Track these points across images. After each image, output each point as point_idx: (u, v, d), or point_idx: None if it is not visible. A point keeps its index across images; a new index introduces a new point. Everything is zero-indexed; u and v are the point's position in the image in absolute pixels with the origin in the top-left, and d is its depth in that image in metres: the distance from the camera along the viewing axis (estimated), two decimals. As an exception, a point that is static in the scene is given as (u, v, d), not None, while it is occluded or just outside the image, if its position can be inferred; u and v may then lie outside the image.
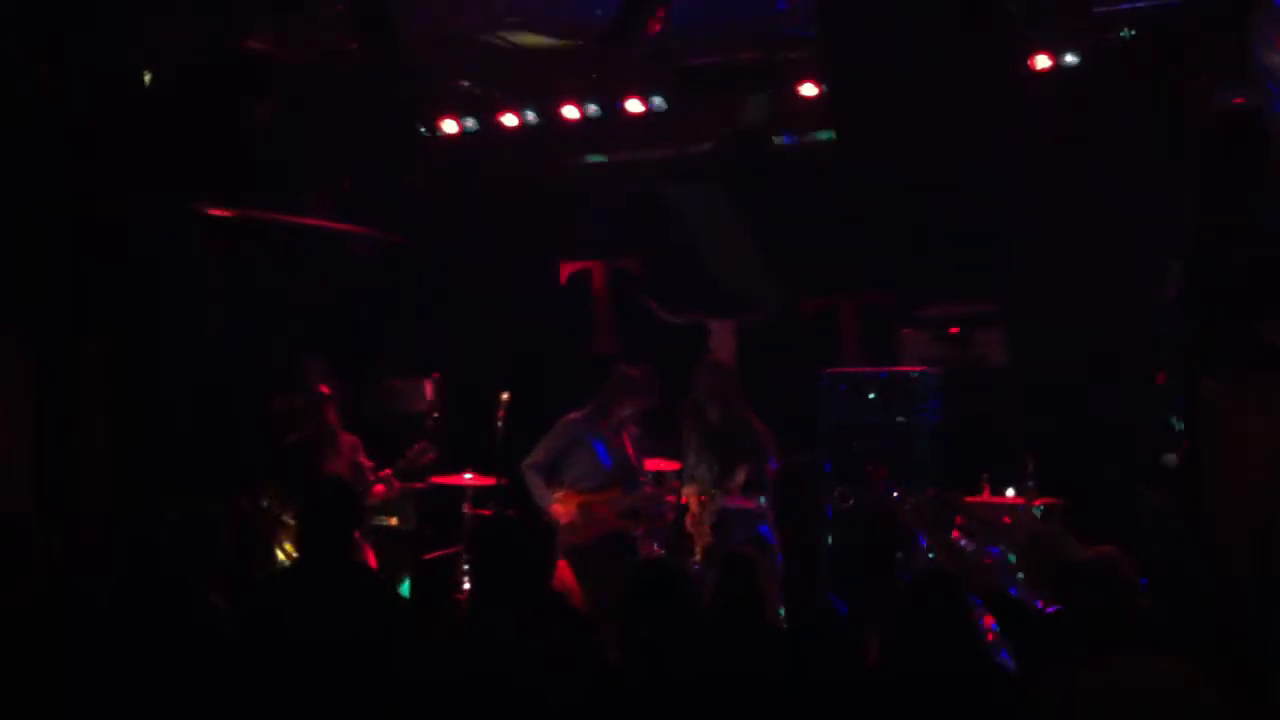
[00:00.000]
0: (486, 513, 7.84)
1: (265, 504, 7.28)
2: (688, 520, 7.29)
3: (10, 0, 6.72)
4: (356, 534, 6.99)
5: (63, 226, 6.88)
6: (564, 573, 7.30)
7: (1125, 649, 3.81)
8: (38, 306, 6.78)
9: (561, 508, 7.44)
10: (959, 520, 5.90)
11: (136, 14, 7.06)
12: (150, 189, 7.23)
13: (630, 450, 7.50)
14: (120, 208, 7.05)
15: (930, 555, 7.03)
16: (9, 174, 6.71)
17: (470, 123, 9.32)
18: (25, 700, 4.96)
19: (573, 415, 7.63)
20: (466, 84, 9.10)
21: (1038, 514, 7.36)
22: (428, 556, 8.44)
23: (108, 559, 6.51)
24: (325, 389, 7.79)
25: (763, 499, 7.25)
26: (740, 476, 7.15)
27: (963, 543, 5.80)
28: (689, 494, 7.34)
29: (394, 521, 8.60)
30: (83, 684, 4.43)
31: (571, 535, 7.42)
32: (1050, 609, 4.89)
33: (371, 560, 7.63)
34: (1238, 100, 7.03)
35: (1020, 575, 5.87)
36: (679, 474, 7.58)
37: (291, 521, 6.85)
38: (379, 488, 7.75)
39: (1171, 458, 7.21)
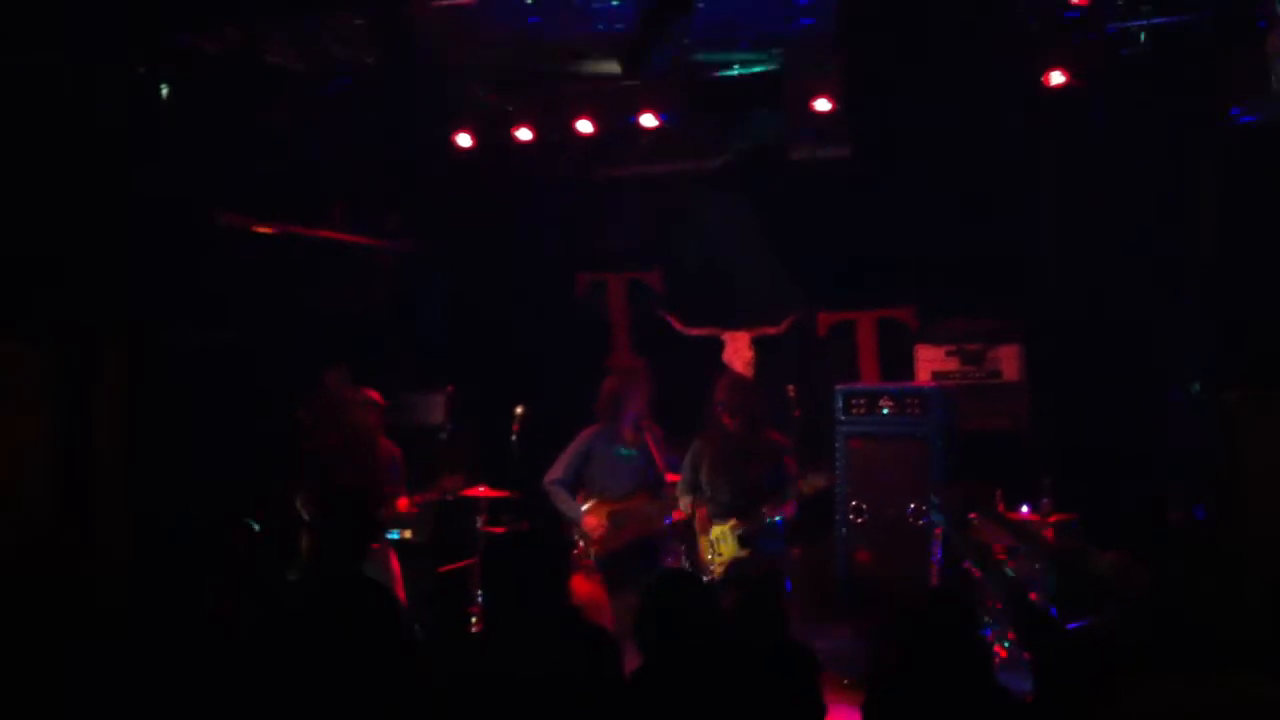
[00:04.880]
0: (501, 528, 7.85)
1: (300, 510, 7.28)
2: (702, 546, 7.26)
3: (26, 4, 6.74)
4: (375, 545, 7.05)
5: (82, 235, 6.89)
6: (587, 586, 7.32)
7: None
8: (57, 315, 6.79)
9: (594, 519, 7.45)
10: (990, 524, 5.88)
11: (157, 23, 7.08)
12: (171, 199, 7.25)
13: (655, 453, 7.50)
14: (141, 216, 7.07)
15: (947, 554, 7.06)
16: (29, 181, 6.73)
17: (486, 136, 9.34)
18: (38, 704, 4.98)
19: (591, 428, 7.65)
20: (483, 97, 9.11)
21: (1054, 530, 7.37)
22: (443, 569, 8.45)
23: (127, 566, 6.52)
24: (376, 395, 7.80)
25: (794, 510, 7.24)
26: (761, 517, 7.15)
27: (988, 540, 5.78)
28: (701, 520, 7.31)
29: (409, 534, 8.59)
30: (93, 689, 4.43)
31: (604, 544, 7.43)
32: (1071, 624, 4.87)
33: (398, 573, 7.63)
34: (1256, 115, 7.04)
35: (1044, 586, 5.85)
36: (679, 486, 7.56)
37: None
38: (402, 502, 7.74)
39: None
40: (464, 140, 9.29)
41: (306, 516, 7.18)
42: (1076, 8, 7.24)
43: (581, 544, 7.53)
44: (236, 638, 4.62)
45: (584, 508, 7.54)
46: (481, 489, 7.86)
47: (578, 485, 7.64)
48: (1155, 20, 7.23)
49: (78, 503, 6.63)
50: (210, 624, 4.63)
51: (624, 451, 7.59)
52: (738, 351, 9.52)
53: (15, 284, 6.56)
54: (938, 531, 7.37)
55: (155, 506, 6.77)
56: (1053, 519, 7.52)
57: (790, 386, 8.56)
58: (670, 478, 7.58)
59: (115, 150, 6.93)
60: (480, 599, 7.58)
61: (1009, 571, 5.37)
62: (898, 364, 8.84)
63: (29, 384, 6.62)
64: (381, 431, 7.85)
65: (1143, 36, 7.29)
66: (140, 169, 7.03)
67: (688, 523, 7.42)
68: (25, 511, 6.44)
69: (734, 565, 7.06)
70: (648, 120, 8.74)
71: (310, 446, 7.58)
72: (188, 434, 7.19)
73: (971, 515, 6.47)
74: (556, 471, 7.63)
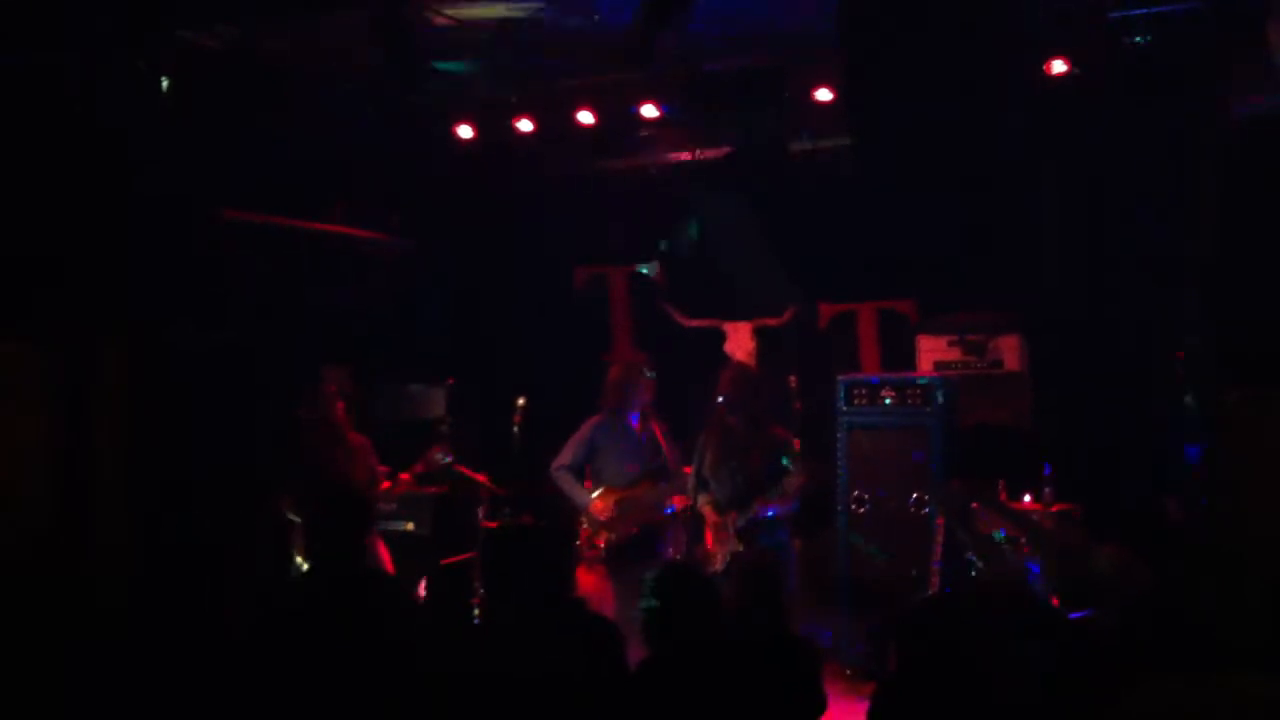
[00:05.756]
0: (500, 521, 7.87)
1: (289, 512, 7.30)
2: (708, 537, 7.29)
3: (26, 3, 6.74)
4: (370, 537, 7.06)
5: (82, 235, 6.90)
6: (590, 577, 7.34)
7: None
8: (57, 315, 6.81)
9: (601, 503, 7.46)
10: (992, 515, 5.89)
11: (157, 21, 7.08)
12: (170, 194, 7.25)
13: (663, 441, 7.52)
14: (141, 215, 7.07)
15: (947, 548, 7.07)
16: (29, 181, 6.73)
17: (487, 128, 9.34)
18: (39, 704, 4.99)
19: (596, 418, 7.66)
20: (482, 89, 9.11)
21: (1055, 520, 7.38)
22: (444, 562, 8.46)
23: (127, 566, 6.53)
24: (332, 387, 7.79)
25: (794, 504, 7.26)
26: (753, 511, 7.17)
27: (989, 533, 5.79)
28: (705, 509, 7.33)
29: (409, 526, 8.61)
30: (93, 689, 4.44)
31: (611, 532, 7.45)
32: (1074, 615, 4.89)
33: (387, 562, 7.65)
34: (1257, 105, 7.01)
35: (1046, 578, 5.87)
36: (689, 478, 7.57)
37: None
38: (385, 485, 7.75)
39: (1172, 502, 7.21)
40: (465, 132, 9.30)
41: (295, 518, 7.19)
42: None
43: (588, 530, 7.54)
44: (237, 637, 4.64)
45: (593, 495, 7.56)
46: (483, 481, 7.88)
47: (584, 474, 7.64)
48: (1157, 9, 7.21)
49: (78, 503, 6.64)
50: (211, 623, 4.64)
51: (629, 442, 7.60)
52: (739, 343, 9.51)
53: (15, 284, 6.57)
54: (939, 523, 7.37)
55: (155, 506, 6.79)
56: (1054, 508, 7.54)
57: (792, 377, 8.58)
58: (685, 470, 7.60)
59: (115, 149, 6.92)
60: (482, 591, 7.60)
61: (1011, 563, 5.39)
62: (899, 356, 8.82)
63: (29, 384, 6.62)
64: (352, 424, 7.85)
65: (1144, 25, 7.27)
66: (141, 168, 7.03)
67: (693, 515, 7.43)
68: (25, 511, 6.46)
69: (733, 558, 7.06)
70: (649, 111, 8.74)
71: (308, 445, 7.60)
72: (188, 434, 7.19)
73: (974, 505, 6.48)
74: (563, 458, 7.64)
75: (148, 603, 5.80)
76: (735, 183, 9.10)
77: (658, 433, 7.58)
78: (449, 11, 7.62)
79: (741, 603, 4.95)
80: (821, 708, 4.73)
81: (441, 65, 8.23)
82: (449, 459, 7.87)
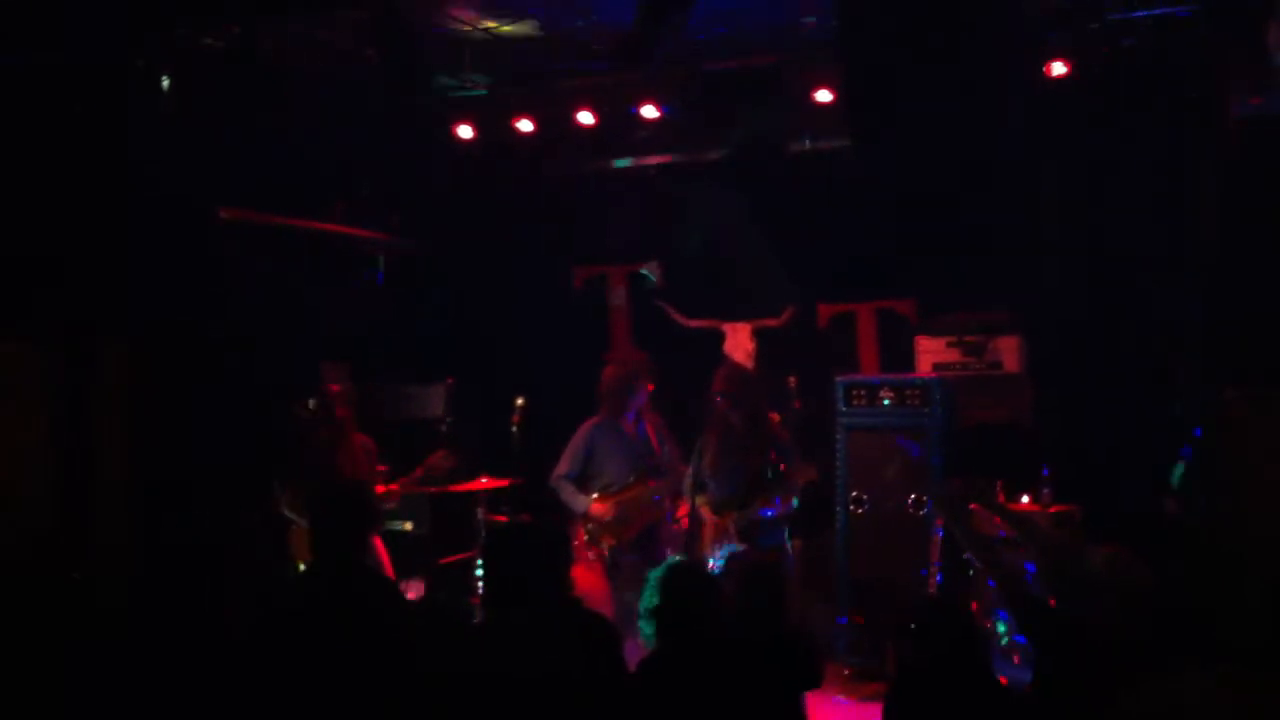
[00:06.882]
0: (500, 518, 7.87)
1: (287, 510, 7.29)
2: (705, 537, 7.29)
3: (26, 4, 6.75)
4: (374, 539, 7.08)
5: (82, 235, 6.90)
6: (588, 577, 7.34)
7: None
8: (57, 315, 6.82)
9: (600, 506, 7.45)
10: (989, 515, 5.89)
11: (156, 20, 7.08)
12: (170, 194, 7.26)
13: (655, 440, 7.51)
14: (141, 215, 7.07)
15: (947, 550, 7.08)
16: (29, 181, 6.73)
17: (487, 128, 9.34)
18: (39, 704, 4.99)
19: (592, 421, 7.65)
20: (481, 88, 9.11)
21: (1052, 520, 7.38)
22: (442, 561, 8.46)
23: (129, 566, 6.54)
24: (335, 386, 7.79)
25: (794, 502, 7.26)
26: (754, 511, 7.17)
27: (988, 533, 5.78)
28: (703, 510, 7.33)
29: (408, 526, 8.61)
30: (93, 688, 4.44)
31: (614, 537, 7.45)
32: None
33: (386, 562, 7.65)
34: (1257, 105, 7.02)
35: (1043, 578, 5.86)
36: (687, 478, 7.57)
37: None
38: (379, 489, 7.75)
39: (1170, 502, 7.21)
40: (465, 132, 9.30)
41: (294, 517, 7.19)
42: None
43: (586, 535, 7.54)
44: (237, 637, 4.64)
45: (590, 499, 7.56)
46: (482, 481, 7.88)
47: (585, 482, 7.63)
48: (1156, 10, 7.21)
49: (78, 503, 6.65)
50: (211, 623, 4.64)
51: (625, 444, 7.60)
52: (738, 343, 9.50)
53: (15, 284, 6.57)
54: (938, 523, 7.37)
55: (155, 506, 6.79)
56: (1053, 509, 7.53)
57: (791, 378, 8.58)
58: (683, 468, 7.60)
59: (115, 149, 6.93)
60: (481, 590, 7.60)
61: (1008, 563, 5.38)
62: (898, 356, 8.82)
63: (29, 384, 6.64)
64: (354, 424, 7.85)
65: (1143, 26, 7.28)
66: (140, 167, 7.03)
67: (691, 514, 7.43)
68: (25, 511, 6.47)
69: (732, 558, 7.06)
70: (648, 111, 8.75)
71: (308, 444, 7.60)
72: (188, 434, 7.20)
73: (972, 506, 6.48)
74: (562, 467, 7.62)
75: (148, 603, 5.81)
76: (734, 182, 9.09)
77: (650, 430, 7.57)
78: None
79: (742, 602, 4.95)
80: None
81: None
82: (452, 464, 7.86)
